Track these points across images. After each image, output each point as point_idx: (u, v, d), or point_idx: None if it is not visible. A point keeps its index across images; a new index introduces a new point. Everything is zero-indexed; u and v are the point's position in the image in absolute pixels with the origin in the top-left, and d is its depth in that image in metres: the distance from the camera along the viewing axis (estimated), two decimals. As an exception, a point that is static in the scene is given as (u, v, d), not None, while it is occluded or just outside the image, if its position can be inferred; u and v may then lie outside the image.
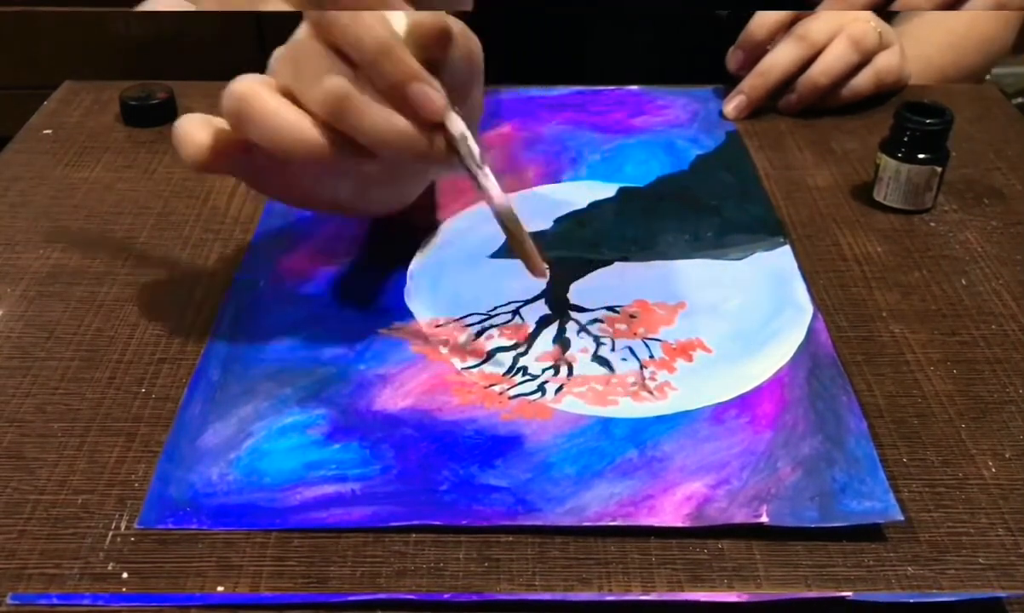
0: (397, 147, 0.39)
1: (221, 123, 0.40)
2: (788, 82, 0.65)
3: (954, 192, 0.58)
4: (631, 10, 0.79)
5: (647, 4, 0.77)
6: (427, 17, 0.40)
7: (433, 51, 0.41)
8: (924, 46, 0.74)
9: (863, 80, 0.66)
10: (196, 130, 0.40)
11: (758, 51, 0.66)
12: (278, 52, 0.41)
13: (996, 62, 0.81)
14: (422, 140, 0.39)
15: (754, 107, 0.66)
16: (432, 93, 0.39)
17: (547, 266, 0.43)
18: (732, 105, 0.66)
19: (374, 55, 0.39)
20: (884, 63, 0.66)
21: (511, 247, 0.43)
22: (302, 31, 0.41)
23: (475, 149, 0.41)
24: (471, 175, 0.41)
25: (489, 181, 0.41)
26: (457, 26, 0.42)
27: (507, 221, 0.41)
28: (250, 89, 0.39)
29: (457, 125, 0.40)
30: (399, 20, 0.40)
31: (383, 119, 0.38)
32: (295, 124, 0.38)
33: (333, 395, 0.42)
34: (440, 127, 0.40)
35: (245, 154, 0.40)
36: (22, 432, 0.40)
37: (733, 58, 0.67)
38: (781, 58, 0.65)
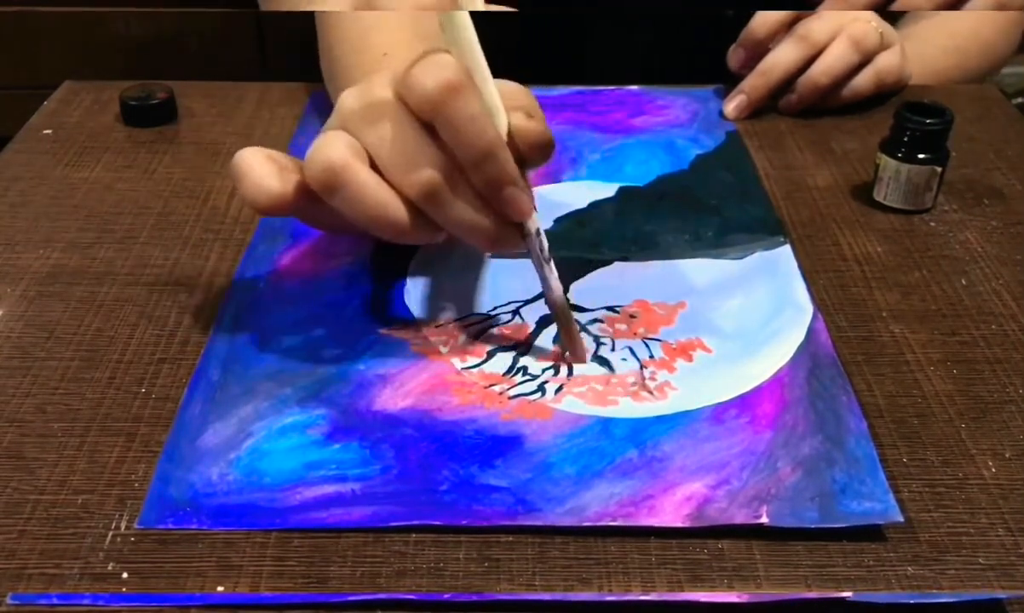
0: (477, 239, 0.41)
1: (285, 163, 0.41)
2: (789, 82, 0.65)
3: (954, 192, 0.58)
4: (631, 10, 0.78)
5: (647, 4, 0.77)
6: (534, 127, 0.41)
7: (534, 158, 0.42)
8: (928, 47, 0.74)
9: (864, 80, 0.66)
10: (266, 177, 0.40)
11: (759, 50, 0.66)
12: (353, 103, 0.40)
13: (1000, 67, 0.81)
14: (500, 234, 0.41)
15: (755, 107, 0.66)
16: (524, 198, 0.41)
17: (589, 353, 0.45)
18: (732, 105, 0.66)
19: (480, 156, 0.39)
20: (885, 63, 0.66)
21: (560, 334, 0.45)
22: (387, 93, 0.40)
23: (545, 244, 0.43)
24: (536, 264, 0.43)
25: (552, 275, 0.43)
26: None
27: (560, 312, 0.44)
28: (343, 161, 0.38)
29: (534, 222, 0.42)
30: (500, 117, 0.41)
31: (470, 216, 0.40)
32: (385, 204, 0.39)
33: (333, 395, 0.42)
34: (519, 223, 0.42)
35: (310, 203, 0.40)
36: (22, 432, 0.40)
37: (734, 56, 0.68)
38: (782, 58, 0.65)
